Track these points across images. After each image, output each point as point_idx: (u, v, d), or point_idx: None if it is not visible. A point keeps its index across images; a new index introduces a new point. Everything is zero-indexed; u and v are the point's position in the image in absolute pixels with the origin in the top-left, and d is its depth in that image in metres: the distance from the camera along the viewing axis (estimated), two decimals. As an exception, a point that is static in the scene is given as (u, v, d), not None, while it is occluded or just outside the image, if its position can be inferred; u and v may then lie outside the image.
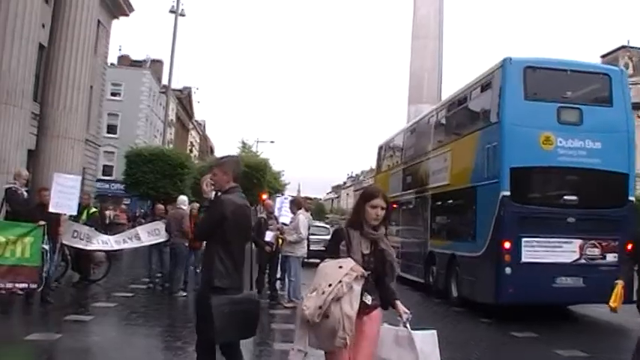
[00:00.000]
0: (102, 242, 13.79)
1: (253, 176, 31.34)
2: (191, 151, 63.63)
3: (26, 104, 15.90)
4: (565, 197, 12.23)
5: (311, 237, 14.96)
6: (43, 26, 19.74)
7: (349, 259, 4.11)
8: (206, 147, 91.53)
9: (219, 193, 4.89)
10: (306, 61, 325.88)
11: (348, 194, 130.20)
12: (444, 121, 16.60)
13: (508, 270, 11.51)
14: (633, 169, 12.82)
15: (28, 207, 11.14)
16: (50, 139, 18.86)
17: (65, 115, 19.11)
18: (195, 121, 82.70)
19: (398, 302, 4.37)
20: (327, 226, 33.12)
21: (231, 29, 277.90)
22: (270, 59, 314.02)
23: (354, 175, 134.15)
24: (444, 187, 15.38)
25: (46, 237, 10.22)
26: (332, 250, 4.27)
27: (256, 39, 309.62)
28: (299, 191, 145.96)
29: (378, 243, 4.31)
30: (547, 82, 12.88)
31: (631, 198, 12.55)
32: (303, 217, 12.83)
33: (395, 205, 18.75)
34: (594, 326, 12.23)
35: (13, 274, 9.71)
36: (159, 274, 14.18)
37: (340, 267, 4.04)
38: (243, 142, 56.02)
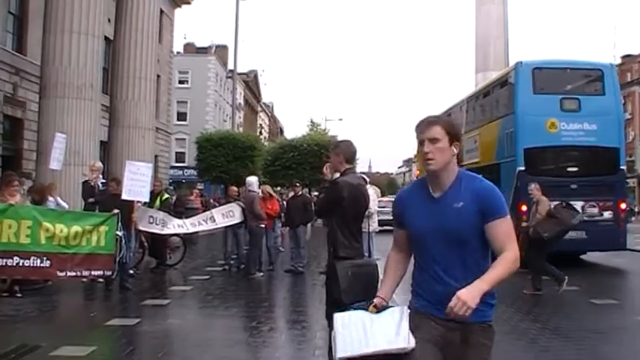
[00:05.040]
0: (177, 226, 14.02)
1: (322, 154, 31.42)
2: (260, 133, 64.31)
3: (96, 97, 16.35)
4: (568, 169, 15.61)
5: (380, 210, 15.30)
6: (109, 21, 20.22)
7: None
8: (275, 128, 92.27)
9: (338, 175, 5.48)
10: (373, 34, 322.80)
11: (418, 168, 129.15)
12: (473, 109, 19.89)
13: None
14: (623, 144, 16.24)
15: (102, 197, 11.48)
16: (121, 130, 19.40)
17: (134, 105, 19.60)
18: (263, 103, 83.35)
19: None
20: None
21: (294, 8, 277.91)
22: (335, 36, 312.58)
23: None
24: (475, 163, 17.93)
25: (119, 224, 10.46)
26: None
27: (320, 16, 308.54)
28: (370, 167, 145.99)
29: None
30: (551, 79, 16.00)
31: (622, 167, 15.89)
32: (373, 191, 12.79)
33: None
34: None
35: (88, 262, 9.97)
36: (234, 256, 14.36)
37: None
38: (312, 121, 56.34)
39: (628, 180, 59.48)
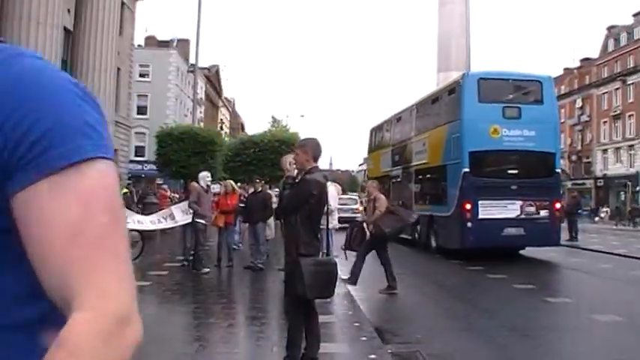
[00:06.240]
0: (137, 222, 13.93)
1: (283, 151, 31.35)
2: (221, 128, 63.90)
3: (54, 89, 16.03)
4: (509, 171, 17.34)
5: (340, 207, 15.48)
6: (69, 11, 19.89)
7: None
8: (236, 124, 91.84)
9: (303, 173, 5.51)
10: (335, 31, 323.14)
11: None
12: (423, 114, 21.23)
13: (469, 224, 16.27)
14: (559, 150, 18.13)
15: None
16: (80, 123, 19.09)
17: (93, 98, 19.30)
18: (225, 98, 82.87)
19: None
20: (356, 197, 34.98)
21: (257, 3, 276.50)
22: (297, 32, 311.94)
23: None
24: (424, 164, 19.95)
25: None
26: None
27: (282, 13, 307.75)
28: (331, 164, 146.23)
29: None
30: (495, 88, 17.51)
31: (557, 170, 17.66)
32: (333, 188, 12.84)
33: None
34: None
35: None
36: (193, 252, 14.22)
37: None
38: (273, 118, 56.35)
39: (585, 181, 61.07)
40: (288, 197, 5.51)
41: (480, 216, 16.29)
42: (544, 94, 17.45)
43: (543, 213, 16.74)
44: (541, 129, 16.88)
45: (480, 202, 16.37)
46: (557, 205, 17.33)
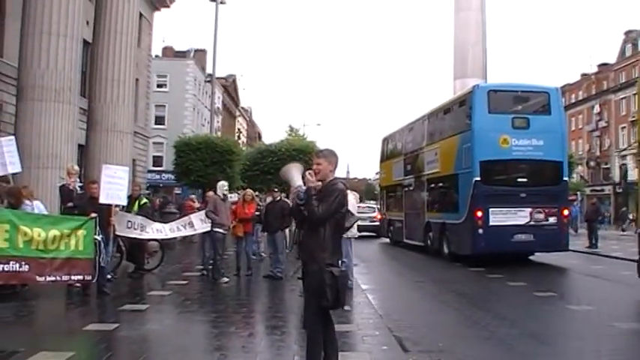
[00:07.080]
0: (156, 231, 14.01)
1: (301, 159, 31.40)
2: (239, 137, 64.09)
3: (74, 100, 16.21)
4: (518, 179, 17.73)
5: (359, 214, 15.58)
6: (87, 23, 20.07)
7: None
8: (254, 133, 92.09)
9: (326, 182, 5.41)
10: (351, 39, 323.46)
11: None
12: (434, 124, 21.74)
13: (480, 231, 16.81)
14: (566, 158, 18.50)
15: (80, 201, 11.38)
16: (99, 133, 19.26)
17: (112, 108, 19.48)
18: (242, 107, 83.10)
19: None
20: (374, 205, 34.91)
21: (273, 12, 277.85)
22: (314, 40, 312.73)
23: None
24: (436, 173, 20.53)
25: (97, 228, 10.38)
26: None
27: (299, 21, 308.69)
28: (348, 172, 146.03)
29: None
30: (504, 100, 18.28)
31: (565, 178, 18.17)
32: (352, 197, 12.79)
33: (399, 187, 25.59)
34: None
35: (68, 267, 9.91)
36: (212, 261, 14.27)
37: None
38: (291, 126, 56.51)
39: (604, 187, 60.44)
40: (326, 206, 5.29)
41: (491, 223, 16.86)
42: (551, 105, 17.90)
43: (552, 219, 17.28)
44: (549, 138, 17.45)
45: (490, 209, 16.93)
46: (565, 212, 17.84)
